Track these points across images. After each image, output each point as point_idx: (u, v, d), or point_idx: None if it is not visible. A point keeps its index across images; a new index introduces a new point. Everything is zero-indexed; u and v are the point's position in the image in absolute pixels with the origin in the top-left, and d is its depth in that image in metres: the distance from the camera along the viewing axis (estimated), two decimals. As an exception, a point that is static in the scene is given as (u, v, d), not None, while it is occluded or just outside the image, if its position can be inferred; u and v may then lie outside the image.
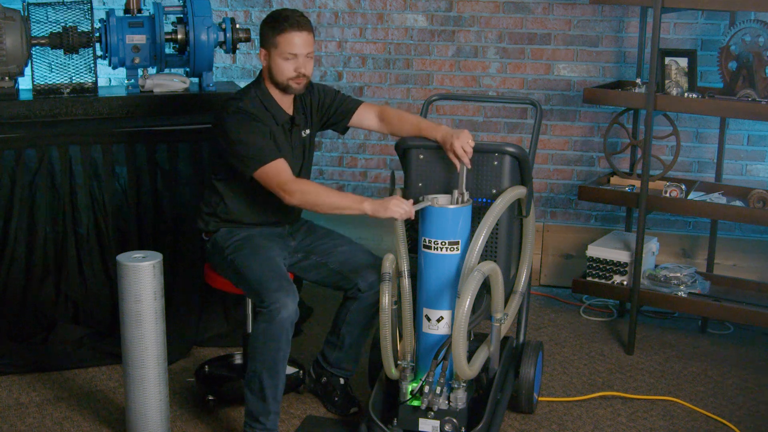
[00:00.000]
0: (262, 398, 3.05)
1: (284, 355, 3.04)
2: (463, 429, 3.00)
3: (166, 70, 4.15)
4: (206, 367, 3.57)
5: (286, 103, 3.24)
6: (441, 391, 2.98)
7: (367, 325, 3.35)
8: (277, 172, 3.05)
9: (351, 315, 3.32)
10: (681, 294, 3.92)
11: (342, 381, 3.43)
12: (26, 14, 3.88)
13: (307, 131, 3.34)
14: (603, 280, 4.08)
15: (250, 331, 3.26)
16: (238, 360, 3.64)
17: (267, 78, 3.21)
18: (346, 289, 3.31)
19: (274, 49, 3.14)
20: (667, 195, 3.92)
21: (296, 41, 3.12)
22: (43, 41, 3.91)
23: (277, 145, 3.17)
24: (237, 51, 4.40)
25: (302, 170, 3.34)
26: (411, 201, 3.03)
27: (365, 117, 3.39)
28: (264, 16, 4.75)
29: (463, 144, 3.05)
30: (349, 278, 3.28)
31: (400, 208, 2.99)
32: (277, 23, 3.13)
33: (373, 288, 3.25)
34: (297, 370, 3.56)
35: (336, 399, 3.41)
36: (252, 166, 3.07)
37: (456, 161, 3.07)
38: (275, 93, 3.21)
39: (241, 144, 3.08)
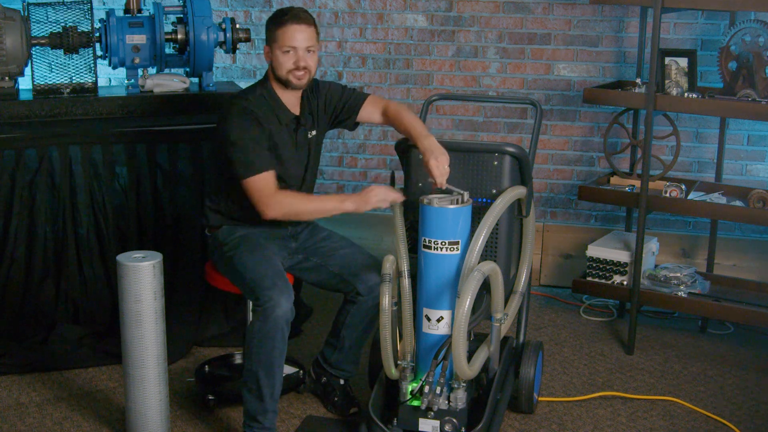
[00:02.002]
0: (259, 397, 3.05)
1: (280, 354, 3.04)
2: (463, 429, 3.00)
3: (166, 70, 4.15)
4: (206, 366, 3.57)
5: (291, 102, 3.24)
6: (441, 391, 2.98)
7: (366, 327, 3.35)
8: (264, 184, 3.08)
9: (350, 318, 3.33)
10: (681, 294, 3.92)
11: (342, 381, 3.44)
12: (26, 14, 3.88)
13: (314, 132, 3.33)
14: (603, 280, 4.08)
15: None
16: (238, 360, 3.64)
17: (272, 77, 3.21)
18: (345, 292, 3.32)
19: (274, 44, 3.15)
20: (667, 195, 3.92)
21: (294, 34, 3.12)
22: (43, 41, 3.91)
23: (277, 147, 3.18)
24: (237, 51, 4.40)
25: (307, 171, 3.33)
26: (398, 192, 3.11)
27: (372, 112, 3.38)
28: (264, 16, 4.79)
29: (439, 165, 3.03)
30: (348, 281, 3.28)
31: (380, 198, 3.06)
32: (278, 18, 3.16)
33: (372, 292, 3.25)
34: (297, 370, 3.57)
35: (336, 399, 3.41)
36: (244, 173, 3.08)
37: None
38: (281, 92, 3.21)
39: (238, 148, 3.09)
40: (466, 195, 3.01)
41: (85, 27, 3.96)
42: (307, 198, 3.17)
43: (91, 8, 3.98)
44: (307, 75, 3.18)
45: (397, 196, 3.11)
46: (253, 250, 3.17)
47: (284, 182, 3.23)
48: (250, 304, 3.33)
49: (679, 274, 3.99)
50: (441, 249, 2.99)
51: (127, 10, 4.07)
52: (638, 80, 4.10)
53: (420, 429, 3.02)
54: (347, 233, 3.66)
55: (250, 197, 3.11)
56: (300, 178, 3.30)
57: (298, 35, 3.13)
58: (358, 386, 3.50)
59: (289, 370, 3.53)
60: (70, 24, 3.94)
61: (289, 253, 3.32)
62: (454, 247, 2.99)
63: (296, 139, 3.26)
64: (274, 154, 3.16)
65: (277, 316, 2.98)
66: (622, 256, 4.04)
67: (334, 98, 3.35)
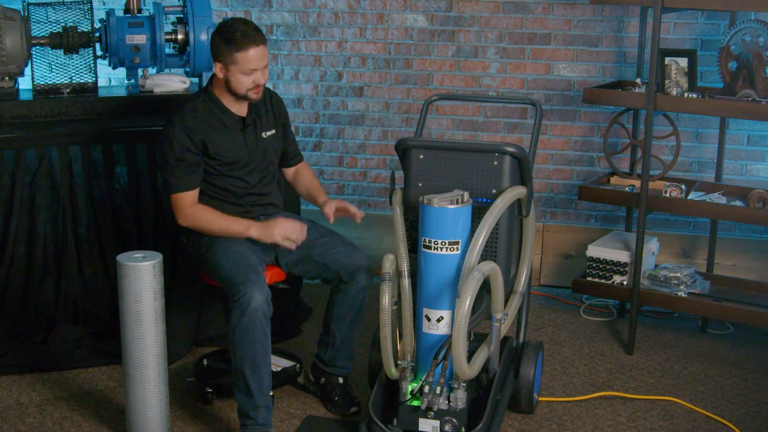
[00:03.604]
0: (248, 393, 3.09)
1: (262, 348, 3.07)
2: (463, 429, 3.00)
3: (166, 70, 4.15)
4: (205, 360, 3.60)
5: (236, 106, 3.30)
6: (441, 391, 2.98)
7: (354, 318, 3.38)
8: (180, 201, 3.25)
9: (337, 309, 3.37)
10: (681, 294, 3.92)
11: (341, 380, 3.45)
12: (26, 14, 3.88)
13: (271, 132, 3.41)
14: (603, 280, 4.08)
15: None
16: None
17: (219, 85, 3.27)
18: (329, 280, 3.37)
19: (233, 66, 3.18)
20: (667, 195, 3.92)
21: (256, 58, 3.18)
22: (43, 41, 3.91)
23: (222, 151, 3.26)
24: (237, 51, 4.39)
25: (267, 171, 3.40)
26: (302, 226, 3.22)
27: (288, 172, 3.59)
28: (264, 16, 4.79)
29: (335, 206, 3.33)
30: (331, 269, 3.33)
31: (283, 236, 3.18)
32: (235, 40, 3.15)
33: (354, 277, 3.30)
34: (294, 363, 3.59)
35: (336, 398, 3.42)
36: (170, 189, 3.26)
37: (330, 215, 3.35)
38: (225, 99, 3.28)
39: (163, 166, 3.26)
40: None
41: (85, 27, 3.96)
42: (219, 218, 3.26)
43: (91, 8, 3.98)
44: (262, 88, 3.27)
45: (297, 237, 3.21)
46: (224, 248, 3.22)
47: (242, 181, 3.32)
48: (230, 302, 3.36)
49: (679, 274, 3.99)
50: (441, 249, 2.99)
51: (127, 10, 4.07)
52: (638, 80, 4.10)
53: (420, 429, 3.02)
54: (347, 232, 3.66)
55: (172, 205, 3.29)
56: (258, 176, 3.37)
57: (259, 57, 3.18)
58: (358, 386, 3.50)
59: (286, 363, 3.57)
60: (70, 24, 3.94)
61: (267, 245, 3.33)
62: (454, 247, 2.99)
63: (246, 138, 3.31)
64: (202, 168, 3.26)
65: (253, 309, 3.01)
66: (622, 256, 4.04)
67: (284, 121, 3.48)
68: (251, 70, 3.18)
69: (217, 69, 3.23)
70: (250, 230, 3.21)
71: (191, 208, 3.26)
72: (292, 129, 3.62)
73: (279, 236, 3.19)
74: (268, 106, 3.42)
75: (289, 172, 3.59)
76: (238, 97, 3.24)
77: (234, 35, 3.15)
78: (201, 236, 3.30)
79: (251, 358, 3.06)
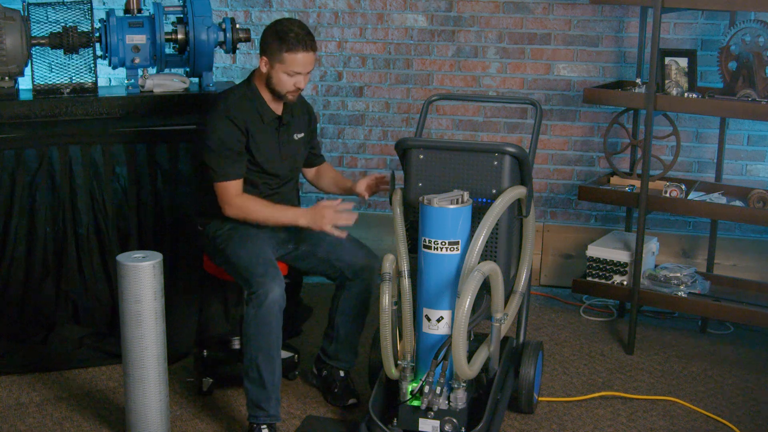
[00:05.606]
0: (261, 385, 3.12)
1: (276, 340, 3.12)
2: (463, 429, 3.00)
3: (166, 70, 4.15)
4: (205, 351, 3.63)
5: (274, 104, 3.34)
6: (441, 391, 2.98)
7: (358, 314, 3.42)
8: (229, 189, 3.25)
9: (341, 304, 3.42)
10: (681, 294, 3.92)
11: (342, 373, 3.49)
12: (26, 14, 3.87)
13: (301, 135, 3.45)
14: (603, 280, 4.08)
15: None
16: (236, 345, 3.66)
17: (261, 80, 3.31)
18: (334, 277, 3.42)
19: (279, 64, 3.22)
20: (667, 195, 3.92)
21: (303, 62, 3.22)
22: (43, 41, 3.91)
23: (259, 146, 3.29)
24: (237, 51, 4.40)
25: (291, 175, 3.46)
26: (349, 213, 3.22)
27: (307, 171, 3.63)
28: (264, 15, 4.78)
29: (366, 183, 3.41)
30: (335, 266, 3.38)
31: (333, 219, 3.18)
32: (287, 40, 3.18)
33: (359, 275, 3.35)
34: (291, 354, 3.62)
35: (335, 390, 3.46)
36: (215, 177, 3.25)
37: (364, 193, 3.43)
38: (265, 94, 3.31)
39: (213, 154, 3.24)
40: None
41: (85, 27, 3.95)
42: (265, 206, 3.28)
43: (91, 8, 3.98)
44: (299, 93, 3.31)
45: (346, 223, 3.21)
46: (244, 240, 3.25)
47: (269, 175, 3.35)
48: (246, 294, 3.37)
49: (679, 274, 3.99)
50: (441, 249, 2.99)
51: (127, 10, 4.06)
52: (638, 80, 4.10)
53: (420, 429, 3.02)
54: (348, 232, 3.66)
55: (217, 195, 3.27)
56: (285, 176, 3.42)
57: (306, 63, 3.23)
58: (359, 385, 3.51)
59: (284, 354, 3.58)
60: (70, 24, 3.94)
61: (279, 242, 3.40)
62: (454, 247, 2.99)
63: (279, 137, 3.35)
64: (246, 158, 3.28)
65: (271, 302, 3.06)
66: (622, 256, 4.04)
67: (312, 127, 3.53)
68: (295, 73, 3.21)
69: (262, 63, 3.26)
70: (300, 220, 3.23)
71: (238, 198, 3.26)
72: None
73: (329, 226, 3.20)
74: (303, 109, 3.48)
75: (311, 171, 3.64)
76: (276, 95, 3.28)
77: (287, 35, 3.18)
78: (220, 227, 3.32)
79: (266, 350, 3.10)
